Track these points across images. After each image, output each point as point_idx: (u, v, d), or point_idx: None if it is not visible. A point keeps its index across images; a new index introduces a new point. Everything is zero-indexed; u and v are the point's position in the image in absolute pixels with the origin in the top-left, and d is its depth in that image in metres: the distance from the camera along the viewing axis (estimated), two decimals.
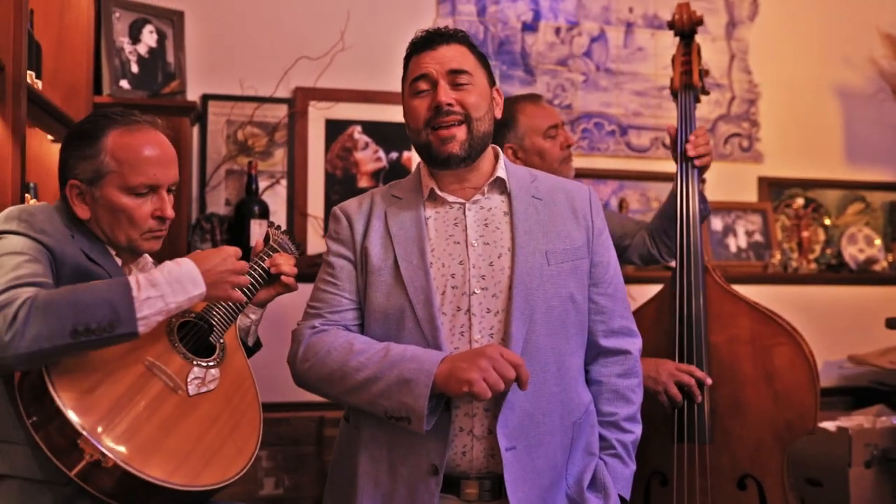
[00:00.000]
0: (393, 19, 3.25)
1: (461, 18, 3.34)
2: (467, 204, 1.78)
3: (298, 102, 3.15)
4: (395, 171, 3.22)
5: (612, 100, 3.47)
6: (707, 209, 2.49)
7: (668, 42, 3.52)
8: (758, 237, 3.54)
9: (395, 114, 3.15)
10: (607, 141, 3.46)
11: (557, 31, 3.44)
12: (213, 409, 1.61)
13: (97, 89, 2.87)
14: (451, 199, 1.79)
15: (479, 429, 1.67)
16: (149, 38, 3.00)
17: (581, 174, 3.42)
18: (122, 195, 1.65)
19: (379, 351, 1.66)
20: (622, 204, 3.40)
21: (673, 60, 2.53)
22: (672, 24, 2.53)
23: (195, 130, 3.12)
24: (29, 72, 2.55)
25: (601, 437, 1.80)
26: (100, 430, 1.44)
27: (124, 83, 2.92)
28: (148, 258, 1.82)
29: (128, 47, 2.94)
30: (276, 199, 3.13)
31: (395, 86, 3.13)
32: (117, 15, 2.93)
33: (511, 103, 2.52)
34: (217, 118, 3.12)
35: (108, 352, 1.52)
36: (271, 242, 1.97)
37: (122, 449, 1.44)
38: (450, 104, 1.72)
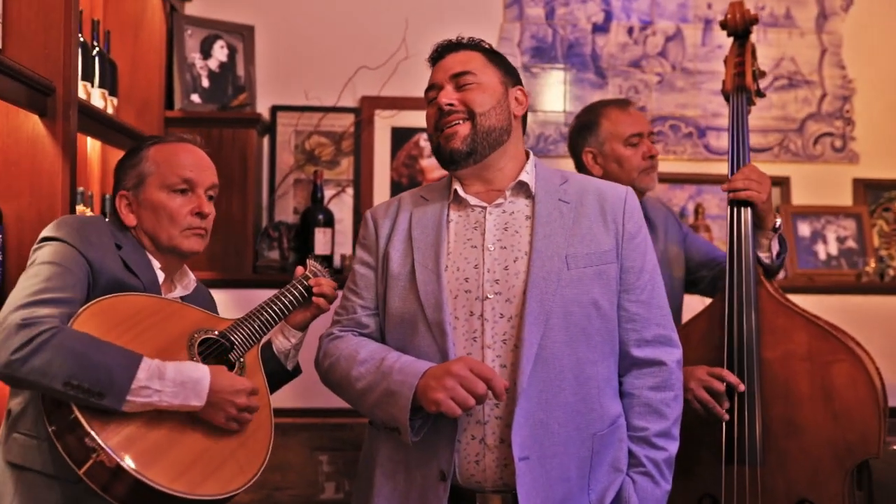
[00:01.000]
0: (458, 25, 3.23)
1: (529, 22, 3.30)
2: (489, 207, 1.77)
3: (364, 111, 3.20)
4: None
5: (689, 101, 3.33)
6: (783, 257, 2.27)
7: (752, 37, 3.34)
8: (851, 243, 3.30)
9: None
10: (684, 144, 3.32)
11: (630, 30, 3.33)
12: (217, 430, 1.64)
13: (169, 104, 3.02)
14: (473, 201, 1.78)
15: (490, 437, 1.64)
16: (219, 52, 3.12)
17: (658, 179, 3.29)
18: (162, 193, 1.76)
19: (376, 361, 1.67)
20: (698, 209, 3.25)
21: (725, 62, 2.40)
22: (724, 24, 2.40)
23: (265, 141, 3.22)
24: (101, 89, 2.72)
25: (630, 454, 1.72)
26: (107, 431, 1.51)
27: (195, 97, 3.06)
28: (191, 276, 1.89)
29: (199, 62, 3.08)
30: (342, 207, 3.19)
31: None
32: (189, 32, 3.06)
33: (596, 107, 2.49)
34: (285, 128, 3.21)
35: (131, 346, 1.59)
36: (309, 269, 2.00)
37: (126, 452, 1.50)
38: (450, 104, 1.75)
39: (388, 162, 3.23)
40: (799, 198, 3.34)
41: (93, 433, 1.48)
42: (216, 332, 1.75)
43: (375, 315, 1.81)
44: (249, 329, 1.80)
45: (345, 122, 3.21)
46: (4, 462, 1.62)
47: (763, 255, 2.22)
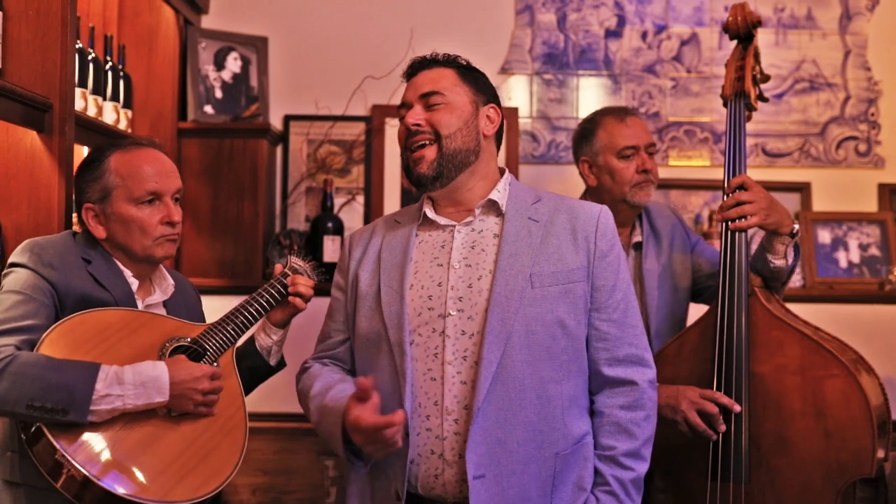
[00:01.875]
0: (468, 33, 3.25)
1: (540, 29, 3.28)
2: (458, 226, 1.78)
3: (375, 119, 3.23)
4: None
5: (705, 105, 3.26)
6: (795, 262, 2.22)
7: (770, 40, 3.27)
8: (874, 251, 3.19)
9: None
10: (699, 149, 3.26)
11: (644, 35, 3.28)
12: (195, 429, 1.69)
13: (183, 115, 3.10)
14: (442, 221, 1.79)
15: (449, 453, 1.64)
16: (233, 64, 3.19)
17: (671, 185, 3.25)
18: (131, 207, 1.81)
19: (317, 397, 1.74)
20: (713, 216, 3.18)
21: (727, 65, 2.34)
22: (727, 27, 2.34)
23: (279, 150, 3.28)
24: (113, 102, 2.81)
25: (596, 472, 1.71)
26: (76, 446, 1.56)
27: (208, 108, 3.13)
28: (170, 280, 1.94)
29: (212, 74, 3.15)
30: (353, 216, 3.22)
31: None
32: (203, 45, 3.13)
33: (595, 116, 2.45)
34: (298, 138, 3.26)
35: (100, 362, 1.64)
36: (289, 267, 2.04)
37: (95, 465, 1.55)
38: (417, 124, 1.76)
39: (398, 170, 3.25)
40: (820, 204, 3.25)
41: (60, 448, 1.53)
42: (188, 340, 1.80)
43: (347, 338, 1.85)
44: (223, 334, 1.84)
45: (356, 131, 3.25)
46: (1, 481, 1.69)
47: (777, 262, 2.17)
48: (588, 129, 2.43)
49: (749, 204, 2.11)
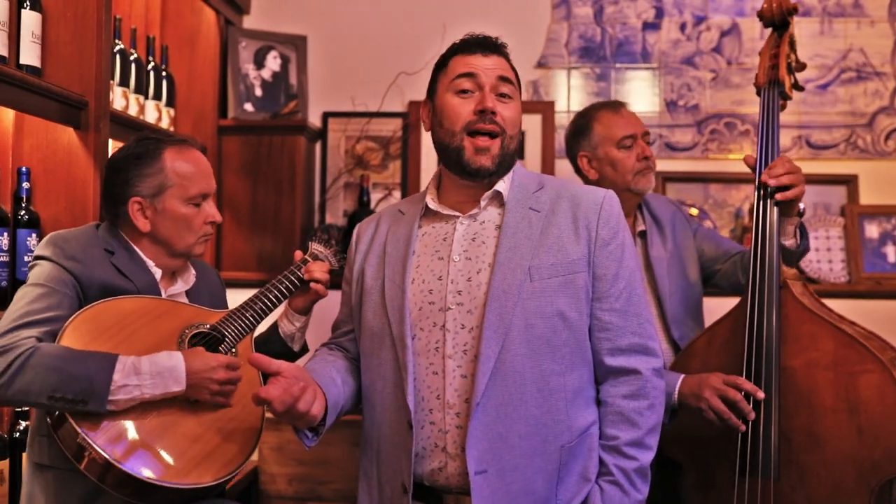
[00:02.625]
0: (504, 25, 3.24)
1: (577, 22, 3.26)
2: (461, 218, 1.76)
3: (412, 115, 3.25)
4: None
5: (746, 97, 3.19)
6: (805, 244, 2.21)
7: (815, 28, 3.19)
8: None
9: None
10: (740, 142, 3.19)
11: (683, 26, 3.23)
12: (213, 415, 1.73)
13: (223, 113, 3.17)
14: (445, 212, 1.77)
15: (451, 447, 1.64)
16: (273, 63, 3.25)
17: (710, 178, 3.20)
18: (183, 205, 1.87)
19: None
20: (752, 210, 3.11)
21: (761, 53, 2.29)
22: (761, 15, 2.29)
23: (318, 146, 3.33)
24: (155, 101, 2.89)
25: (601, 462, 1.69)
26: (97, 430, 1.61)
27: (248, 106, 3.19)
28: (191, 269, 1.99)
29: (252, 73, 3.21)
30: None
31: None
32: (243, 44, 3.20)
33: (589, 111, 2.45)
34: (336, 134, 3.30)
35: (125, 352, 1.69)
36: (309, 253, 2.08)
37: (115, 448, 1.60)
38: (494, 112, 1.69)
39: (434, 165, 3.26)
40: (867, 197, 3.15)
41: (81, 433, 1.59)
42: (207, 326, 1.84)
43: (352, 329, 1.87)
44: (241, 321, 1.88)
45: (392, 127, 3.27)
46: (32, 464, 1.76)
47: (788, 242, 2.15)
48: (583, 125, 2.43)
49: (796, 177, 2.10)
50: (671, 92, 3.21)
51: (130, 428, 1.64)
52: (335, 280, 2.03)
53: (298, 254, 2.07)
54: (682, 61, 3.23)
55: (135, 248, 1.87)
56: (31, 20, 2.11)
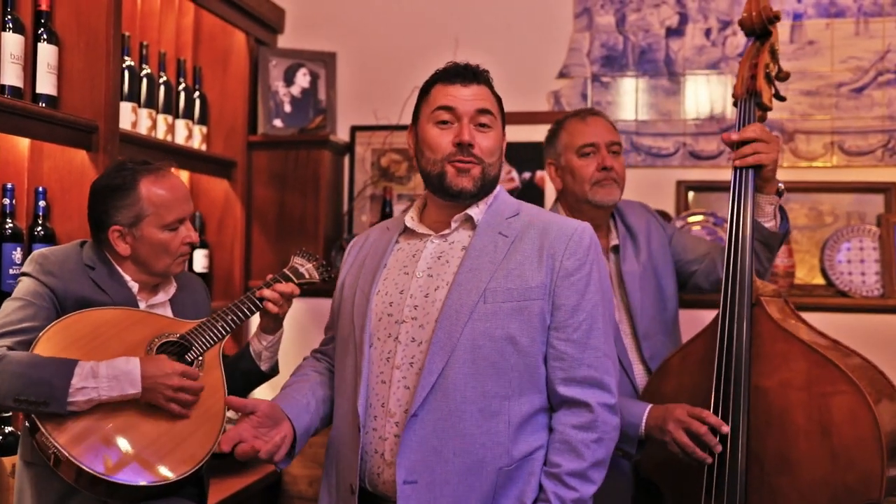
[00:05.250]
0: (526, 35, 3.27)
1: (599, 31, 3.24)
2: (432, 237, 1.81)
3: None
4: (529, 190, 3.23)
5: (775, 102, 3.08)
6: (786, 226, 2.16)
7: (849, 31, 3.05)
8: None
9: (528, 134, 3.16)
10: None
11: (707, 32, 3.16)
12: (172, 418, 1.86)
13: (253, 129, 3.33)
14: (420, 230, 1.83)
15: (388, 454, 1.70)
16: (302, 80, 3.38)
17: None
18: (160, 232, 1.99)
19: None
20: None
21: (741, 63, 2.23)
22: (741, 23, 2.23)
23: (346, 159, 3.44)
24: (185, 120, 3.07)
25: (540, 487, 1.69)
26: (59, 430, 1.76)
27: (277, 122, 3.34)
28: (172, 282, 2.12)
29: (282, 90, 3.36)
30: None
31: (528, 106, 3.15)
32: (273, 63, 3.35)
33: (561, 118, 2.43)
34: (362, 147, 3.40)
35: (91, 358, 1.83)
36: (289, 267, 2.18)
37: (76, 447, 1.75)
38: (471, 144, 1.74)
39: None
40: None
41: (46, 433, 1.74)
42: (177, 336, 1.97)
43: (333, 337, 1.95)
44: (211, 332, 2.00)
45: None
46: (21, 460, 1.95)
47: (766, 223, 2.11)
48: (552, 132, 2.40)
49: (763, 143, 2.06)
50: (695, 100, 3.14)
51: (91, 429, 1.78)
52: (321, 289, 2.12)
53: (270, 277, 2.16)
54: (706, 67, 3.15)
55: (115, 265, 2.01)
56: (47, 52, 2.31)
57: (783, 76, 2.22)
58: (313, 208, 3.25)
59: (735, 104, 2.20)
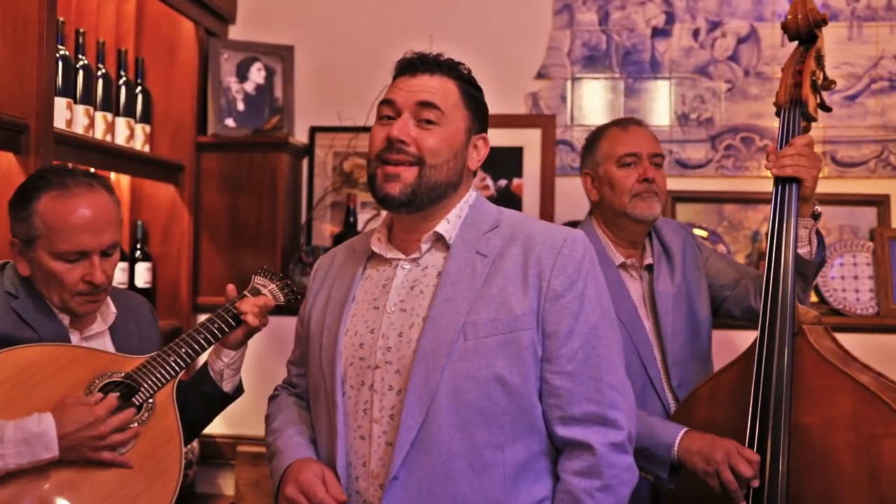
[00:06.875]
0: (501, 33, 3.03)
1: (580, 29, 3.02)
2: (402, 262, 1.56)
3: None
4: (505, 198, 2.99)
5: (765, 109, 2.93)
6: (822, 254, 1.99)
7: (843, 34, 2.92)
8: None
9: (505, 138, 2.93)
10: (758, 159, 2.93)
11: (695, 33, 2.98)
12: (119, 475, 1.55)
13: (202, 129, 2.99)
14: (388, 255, 1.58)
15: None
16: (256, 75, 3.06)
17: (725, 199, 2.96)
18: (52, 260, 1.64)
19: (274, 433, 1.62)
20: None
21: (784, 69, 2.06)
22: (785, 27, 2.06)
23: (304, 162, 3.14)
24: (126, 118, 2.72)
25: None
26: None
27: (229, 121, 3.01)
28: (110, 306, 1.78)
29: (234, 86, 3.03)
30: None
31: (505, 108, 2.92)
32: (225, 56, 3.02)
33: (601, 127, 2.27)
34: (323, 150, 3.11)
35: (22, 409, 1.51)
36: (250, 288, 1.91)
37: None
38: (402, 141, 1.50)
39: None
40: None
41: None
42: (122, 375, 1.65)
43: (303, 373, 1.71)
44: (161, 368, 1.68)
45: None
46: None
47: (802, 250, 1.95)
48: (591, 141, 2.25)
49: (805, 158, 1.92)
50: (682, 104, 2.97)
51: (24, 491, 1.46)
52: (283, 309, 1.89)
53: (231, 289, 1.86)
54: (694, 70, 2.98)
55: (40, 290, 1.68)
56: None
57: (829, 85, 2.05)
58: (270, 216, 2.94)
59: (777, 113, 2.04)
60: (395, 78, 1.60)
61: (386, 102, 1.56)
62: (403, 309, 1.51)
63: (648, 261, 2.17)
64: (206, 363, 1.84)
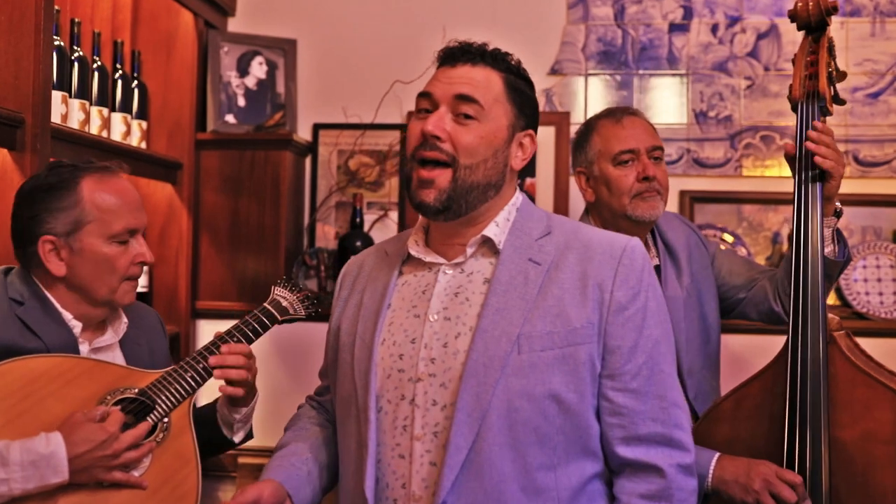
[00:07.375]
0: (514, 27, 2.93)
1: (595, 24, 2.92)
2: (444, 267, 1.45)
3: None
4: None
5: (786, 107, 2.80)
6: (845, 253, 1.90)
7: (865, 30, 2.83)
8: None
9: None
10: (778, 157, 2.84)
11: (714, 28, 2.89)
12: (131, 499, 1.44)
13: (202, 125, 2.88)
14: (427, 258, 1.47)
15: None
16: (258, 70, 2.96)
17: (744, 199, 2.86)
18: (104, 244, 1.58)
19: (276, 447, 1.56)
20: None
21: (794, 62, 1.96)
22: (794, 16, 1.96)
23: (307, 161, 3.03)
24: (123, 114, 2.61)
25: None
26: None
27: (229, 117, 2.91)
28: (122, 317, 1.68)
29: (235, 81, 2.92)
30: (385, 233, 2.93)
31: None
32: (225, 49, 2.91)
33: (591, 120, 2.12)
34: (327, 148, 3.00)
35: (27, 426, 1.41)
36: (271, 299, 1.77)
37: None
38: (437, 137, 1.39)
39: None
40: None
41: None
42: (135, 391, 1.54)
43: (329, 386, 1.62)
44: (178, 384, 1.57)
45: (389, 140, 2.96)
46: None
47: (826, 250, 1.86)
48: (582, 136, 2.10)
49: (835, 152, 1.83)
50: (701, 101, 2.87)
51: None
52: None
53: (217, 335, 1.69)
54: (713, 67, 2.88)
55: (49, 296, 1.57)
56: None
57: (842, 76, 1.96)
58: (272, 217, 2.83)
59: (794, 108, 1.93)
60: (437, 68, 1.49)
61: (423, 95, 1.45)
62: (448, 317, 1.40)
63: (654, 262, 2.03)
64: (214, 404, 1.71)
